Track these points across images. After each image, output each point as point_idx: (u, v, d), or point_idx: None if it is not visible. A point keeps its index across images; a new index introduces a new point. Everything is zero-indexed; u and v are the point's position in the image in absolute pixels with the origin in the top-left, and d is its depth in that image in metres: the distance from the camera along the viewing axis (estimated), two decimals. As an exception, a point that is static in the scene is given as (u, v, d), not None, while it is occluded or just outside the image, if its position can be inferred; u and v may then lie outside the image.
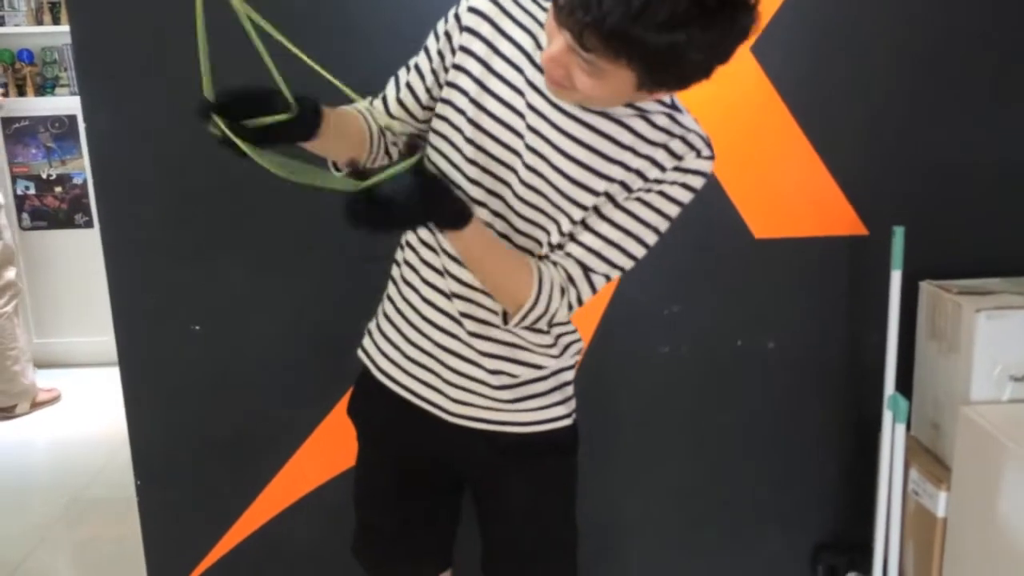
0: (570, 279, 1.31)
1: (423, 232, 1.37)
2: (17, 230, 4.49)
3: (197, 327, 2.06)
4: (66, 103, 4.43)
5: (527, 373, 1.41)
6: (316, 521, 2.14)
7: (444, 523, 1.57)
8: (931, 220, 2.05)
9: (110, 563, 2.79)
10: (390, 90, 1.38)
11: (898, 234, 1.96)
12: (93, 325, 4.31)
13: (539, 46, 1.24)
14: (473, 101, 1.27)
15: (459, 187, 1.30)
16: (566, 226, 1.30)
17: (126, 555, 2.53)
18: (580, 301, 1.33)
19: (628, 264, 1.32)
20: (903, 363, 2.03)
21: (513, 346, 1.38)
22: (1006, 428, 1.79)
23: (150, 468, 2.13)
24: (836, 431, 2.20)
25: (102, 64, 1.95)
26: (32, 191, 4.51)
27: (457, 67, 1.29)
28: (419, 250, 1.39)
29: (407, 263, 1.41)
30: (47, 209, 4.53)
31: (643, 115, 1.25)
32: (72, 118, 4.41)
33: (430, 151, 1.34)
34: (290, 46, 1.10)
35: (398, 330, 1.43)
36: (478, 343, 1.38)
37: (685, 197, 1.28)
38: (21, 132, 4.46)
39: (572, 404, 1.50)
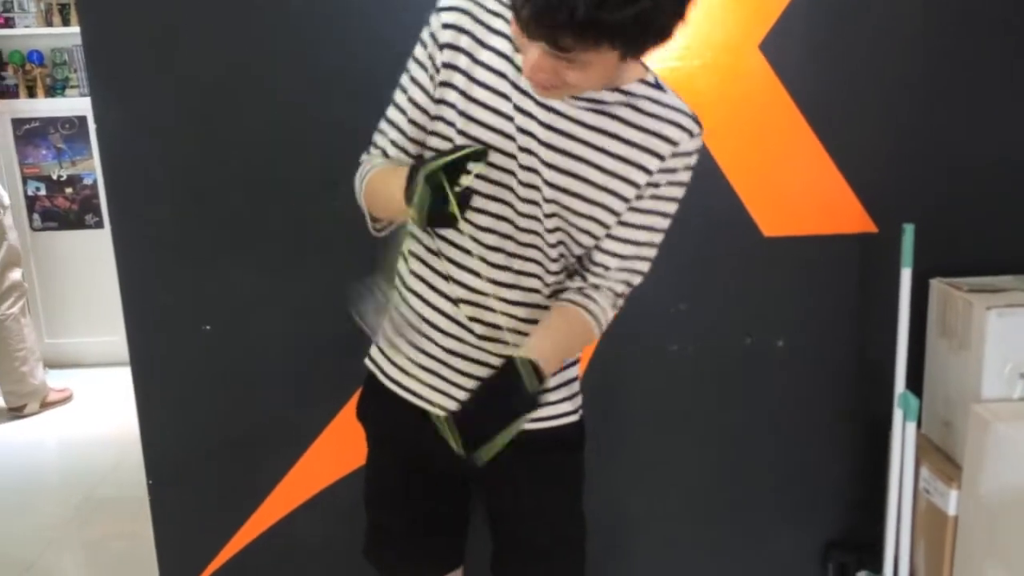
0: (616, 296, 1.40)
1: (427, 240, 1.39)
2: (28, 231, 4.51)
3: (208, 327, 2.07)
4: (76, 104, 4.46)
5: None
6: (327, 519, 2.14)
7: (454, 523, 1.58)
8: (941, 217, 2.04)
9: (121, 563, 2.80)
10: (389, 135, 1.39)
11: (908, 231, 1.95)
12: (104, 325, 4.33)
13: (518, 49, 1.25)
14: (461, 113, 1.29)
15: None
16: (567, 225, 1.31)
17: (138, 554, 2.54)
18: (622, 305, 1.44)
19: (654, 254, 1.39)
20: (913, 361, 2.02)
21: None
22: (1017, 425, 1.78)
23: (161, 467, 2.14)
24: (846, 429, 2.19)
25: (112, 65, 1.96)
26: (43, 192, 4.53)
27: (444, 84, 1.30)
28: (425, 258, 1.40)
29: (413, 273, 1.42)
30: (58, 210, 4.55)
31: (629, 102, 1.28)
32: (82, 119, 4.44)
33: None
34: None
35: (405, 338, 1.44)
36: (488, 345, 1.39)
37: (688, 177, 1.34)
38: (32, 133, 4.48)
39: (578, 400, 1.51)
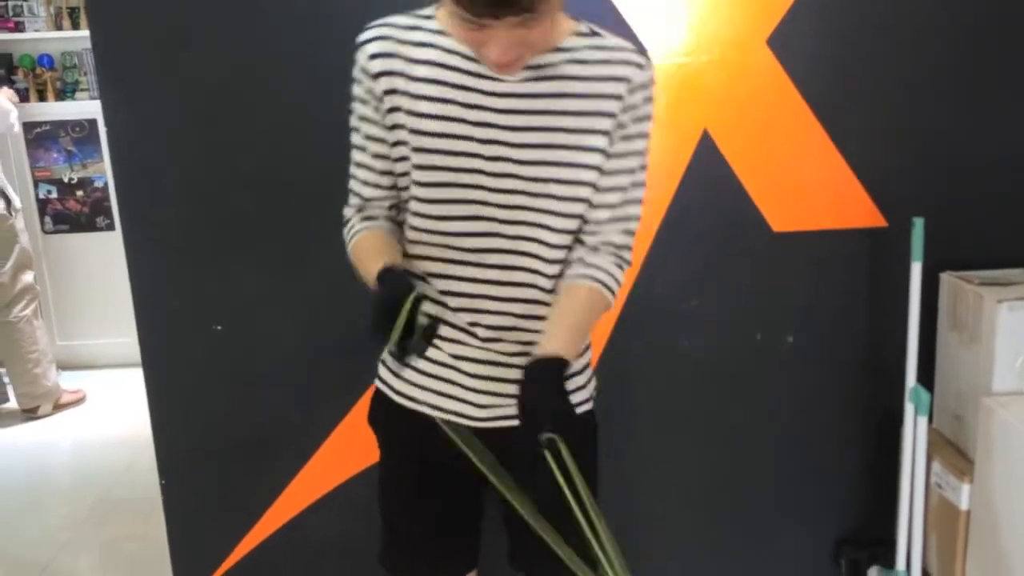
0: (617, 249, 1.38)
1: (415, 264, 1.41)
2: (40, 234, 4.54)
3: (219, 327, 2.08)
4: (86, 107, 4.48)
5: None
6: (339, 518, 2.15)
7: (468, 525, 1.57)
8: (951, 211, 2.03)
9: (135, 563, 2.81)
10: (359, 177, 1.42)
11: (918, 225, 1.94)
12: (116, 327, 4.35)
13: (447, 50, 1.29)
14: (413, 130, 1.31)
15: (431, 215, 1.34)
16: (552, 204, 1.32)
17: (151, 555, 2.56)
18: (629, 260, 1.42)
19: (643, 193, 1.40)
20: (924, 355, 2.01)
21: (529, 344, 1.38)
22: (1029, 419, 1.78)
23: (174, 468, 2.15)
24: (857, 424, 2.19)
25: (122, 68, 1.97)
26: (54, 195, 4.56)
27: (391, 110, 1.32)
28: (423, 266, 1.40)
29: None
30: (69, 212, 4.57)
31: (572, 58, 1.30)
32: (92, 122, 4.46)
33: (404, 193, 1.39)
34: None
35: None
36: (494, 345, 1.39)
37: (651, 109, 1.35)
38: (42, 136, 4.50)
39: (591, 389, 1.51)
